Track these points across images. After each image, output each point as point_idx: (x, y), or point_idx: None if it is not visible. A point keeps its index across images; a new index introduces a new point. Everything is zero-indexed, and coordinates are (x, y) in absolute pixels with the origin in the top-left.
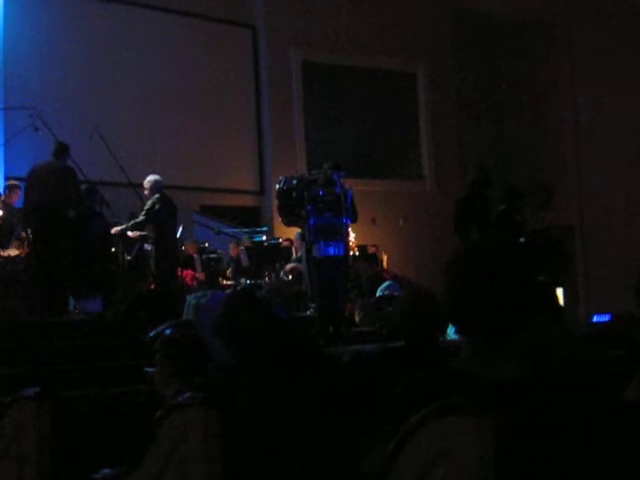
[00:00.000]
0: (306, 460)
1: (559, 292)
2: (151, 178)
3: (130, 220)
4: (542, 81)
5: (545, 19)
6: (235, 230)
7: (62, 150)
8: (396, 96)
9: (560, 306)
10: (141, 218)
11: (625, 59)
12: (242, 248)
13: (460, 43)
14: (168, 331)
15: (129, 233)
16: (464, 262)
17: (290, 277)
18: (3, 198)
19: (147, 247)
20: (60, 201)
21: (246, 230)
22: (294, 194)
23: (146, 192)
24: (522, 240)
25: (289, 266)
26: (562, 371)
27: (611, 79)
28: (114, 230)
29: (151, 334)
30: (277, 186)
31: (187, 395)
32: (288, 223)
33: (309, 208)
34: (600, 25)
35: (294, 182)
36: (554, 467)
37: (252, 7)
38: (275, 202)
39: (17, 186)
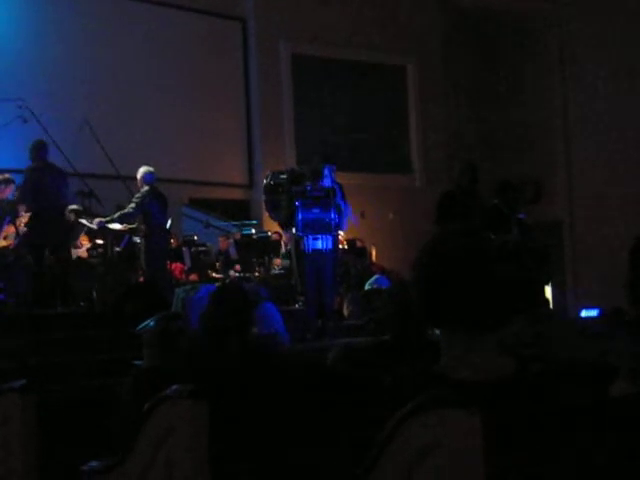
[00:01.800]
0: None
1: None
2: (141, 169)
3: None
4: (532, 75)
5: (536, 12)
6: (224, 223)
7: (46, 148)
8: (386, 89)
9: (547, 301)
10: (129, 209)
11: (617, 53)
12: (231, 241)
13: (450, 36)
14: (152, 324)
15: (117, 225)
16: (436, 253)
17: (279, 270)
18: None
19: (136, 239)
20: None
21: (235, 223)
22: (281, 189)
23: (138, 184)
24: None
25: (278, 260)
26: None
27: (602, 73)
28: (99, 220)
29: (139, 327)
30: (264, 181)
31: (175, 387)
32: (275, 218)
33: (297, 203)
34: (592, 19)
35: (282, 177)
36: (542, 460)
37: (242, 0)
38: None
39: (11, 181)
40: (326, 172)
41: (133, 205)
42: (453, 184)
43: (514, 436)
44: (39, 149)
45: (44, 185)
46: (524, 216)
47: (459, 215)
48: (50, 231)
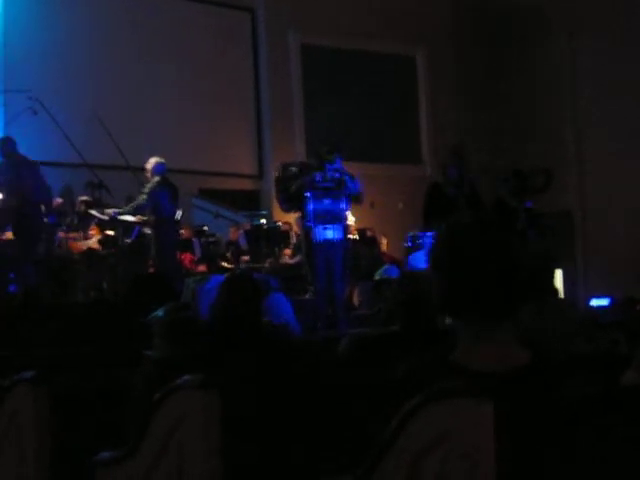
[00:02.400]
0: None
1: (558, 275)
2: (152, 160)
3: (128, 203)
4: (542, 65)
5: (546, 3)
6: (234, 214)
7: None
8: (396, 80)
9: (556, 289)
10: (141, 200)
11: (626, 44)
12: (241, 232)
13: (460, 26)
14: (162, 314)
15: (128, 217)
16: (451, 244)
17: (289, 260)
18: None
19: (147, 230)
20: None
21: (245, 213)
22: (292, 182)
23: (147, 174)
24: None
25: (288, 250)
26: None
27: (612, 63)
28: (113, 211)
29: (149, 317)
30: (275, 174)
31: (185, 377)
32: (287, 210)
33: (308, 194)
34: (601, 9)
35: (292, 169)
36: (554, 449)
37: None
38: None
39: None
40: (337, 164)
41: (144, 196)
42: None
43: (527, 426)
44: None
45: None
46: (531, 204)
47: (444, 207)
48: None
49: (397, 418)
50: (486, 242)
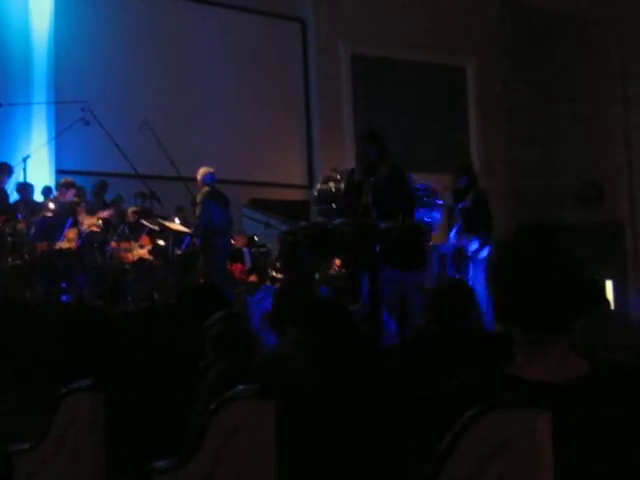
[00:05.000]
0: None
1: (608, 286)
2: (201, 170)
3: (178, 214)
4: (592, 76)
5: (596, 12)
6: (284, 224)
7: None
8: (445, 90)
9: (608, 300)
10: (198, 212)
11: None
12: None
13: (509, 37)
14: (216, 323)
15: (180, 227)
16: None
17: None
18: (58, 195)
19: (197, 241)
20: None
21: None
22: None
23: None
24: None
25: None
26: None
27: None
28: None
29: (203, 325)
30: (317, 187)
31: (240, 387)
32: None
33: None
34: None
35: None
36: (611, 462)
37: (301, 1)
38: None
39: (72, 184)
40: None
41: (199, 210)
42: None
43: (585, 437)
44: None
45: None
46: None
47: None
48: None
49: (455, 429)
50: (548, 253)
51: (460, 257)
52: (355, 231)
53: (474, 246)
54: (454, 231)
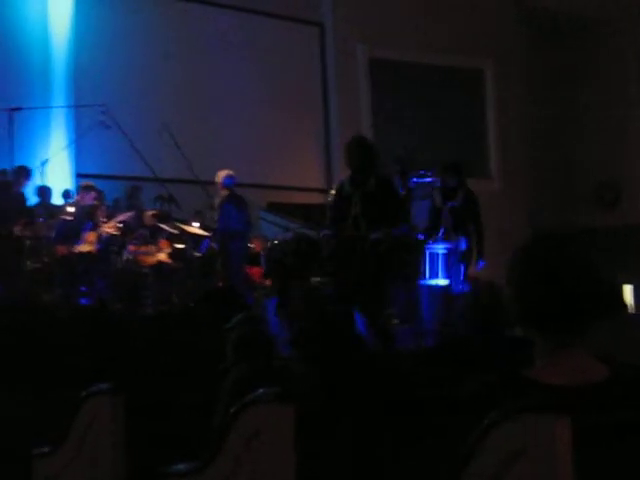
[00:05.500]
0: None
1: (627, 291)
2: (221, 174)
3: (197, 217)
4: (611, 79)
5: (613, 14)
6: (303, 227)
7: None
8: (464, 93)
9: (625, 304)
10: (217, 216)
11: None
12: None
13: (528, 39)
14: (235, 326)
15: (198, 230)
16: (531, 258)
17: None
18: (78, 198)
19: (215, 245)
20: None
21: (313, 227)
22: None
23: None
24: None
25: None
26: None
27: None
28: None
29: (223, 328)
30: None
31: (260, 391)
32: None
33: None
34: None
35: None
36: (631, 467)
37: (319, 5)
38: None
39: (92, 187)
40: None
41: (218, 212)
42: None
43: (605, 442)
44: None
45: None
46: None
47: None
48: None
49: (474, 434)
50: (567, 256)
51: (450, 257)
52: (339, 243)
53: (463, 245)
54: (442, 231)
